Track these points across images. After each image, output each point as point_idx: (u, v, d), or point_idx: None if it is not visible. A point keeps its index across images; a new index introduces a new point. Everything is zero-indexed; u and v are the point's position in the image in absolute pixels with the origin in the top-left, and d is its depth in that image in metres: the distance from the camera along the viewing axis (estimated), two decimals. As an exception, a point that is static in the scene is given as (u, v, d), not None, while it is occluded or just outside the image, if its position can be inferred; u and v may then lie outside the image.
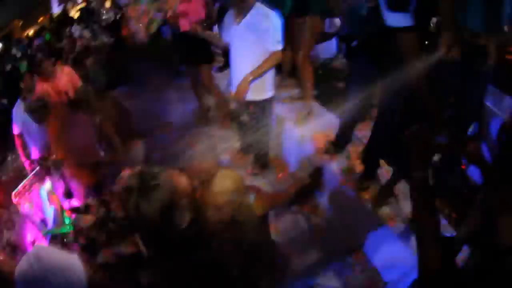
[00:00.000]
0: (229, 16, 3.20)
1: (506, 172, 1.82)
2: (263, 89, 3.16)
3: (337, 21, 4.34)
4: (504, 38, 2.05)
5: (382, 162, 3.04)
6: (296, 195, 2.86)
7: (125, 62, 6.20)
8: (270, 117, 3.42)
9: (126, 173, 1.39)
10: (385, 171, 3.06)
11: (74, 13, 9.87)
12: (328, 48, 4.65)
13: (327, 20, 4.26)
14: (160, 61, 5.88)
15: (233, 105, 4.09)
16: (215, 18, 4.36)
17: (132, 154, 3.30)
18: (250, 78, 3.02)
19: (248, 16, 2.98)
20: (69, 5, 10.73)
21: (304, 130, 3.70)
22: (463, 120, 2.48)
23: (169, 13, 4.06)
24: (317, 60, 4.48)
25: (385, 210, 2.82)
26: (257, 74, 3.02)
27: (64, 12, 10.14)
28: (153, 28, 6.03)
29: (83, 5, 9.84)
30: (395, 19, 2.16)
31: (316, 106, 3.97)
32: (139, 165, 1.40)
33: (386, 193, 2.87)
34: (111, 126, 3.28)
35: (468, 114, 2.50)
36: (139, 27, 6.11)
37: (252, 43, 2.98)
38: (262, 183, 3.39)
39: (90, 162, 3.17)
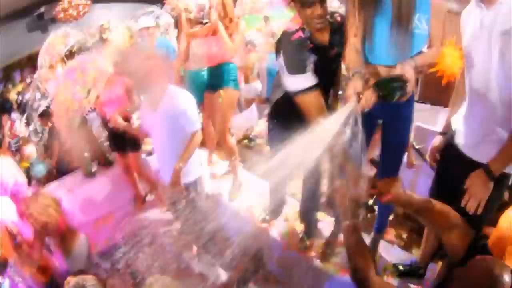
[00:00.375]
0: (144, 104, 3.18)
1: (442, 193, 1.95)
2: (192, 170, 3.11)
3: (257, 86, 4.52)
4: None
5: (322, 215, 3.11)
6: (245, 272, 2.80)
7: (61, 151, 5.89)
8: (203, 195, 3.36)
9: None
10: (326, 223, 3.11)
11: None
12: (251, 115, 4.75)
13: (247, 86, 4.45)
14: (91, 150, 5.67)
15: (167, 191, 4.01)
16: (138, 103, 4.34)
17: (75, 250, 3.06)
18: (180, 166, 2.95)
19: (163, 102, 2.93)
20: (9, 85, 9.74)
21: (238, 203, 3.70)
22: (392, 158, 2.45)
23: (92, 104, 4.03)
24: (240, 128, 4.59)
25: (335, 261, 2.84)
26: (185, 159, 2.97)
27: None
28: (76, 123, 5.88)
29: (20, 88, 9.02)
30: (296, 82, 2.17)
31: (246, 175, 3.98)
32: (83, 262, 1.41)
33: (332, 245, 2.90)
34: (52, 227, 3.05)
35: (397, 149, 2.44)
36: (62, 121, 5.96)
37: (171, 129, 2.94)
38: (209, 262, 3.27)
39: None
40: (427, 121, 3.55)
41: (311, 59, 2.11)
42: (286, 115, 2.30)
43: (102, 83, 4.23)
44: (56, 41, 6.72)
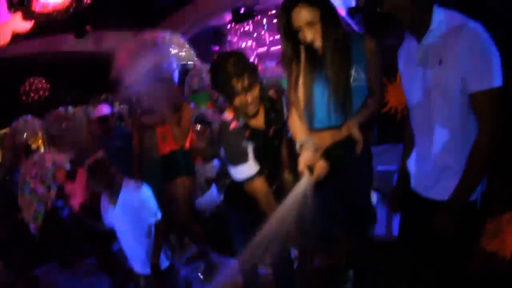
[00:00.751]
0: (104, 200, 3.15)
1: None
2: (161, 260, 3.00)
3: (215, 163, 4.48)
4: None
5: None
6: None
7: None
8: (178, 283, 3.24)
9: None
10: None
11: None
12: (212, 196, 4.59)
13: (205, 165, 4.41)
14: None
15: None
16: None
17: None
18: (155, 262, 2.91)
19: (120, 196, 2.95)
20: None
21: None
22: (357, 219, 2.34)
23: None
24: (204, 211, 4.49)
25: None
26: (157, 254, 2.93)
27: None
28: (39, 221, 5.75)
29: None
30: (239, 172, 2.09)
31: (217, 259, 3.88)
32: None
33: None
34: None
35: (360, 208, 2.32)
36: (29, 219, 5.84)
37: (132, 221, 2.93)
38: None
39: None
40: (389, 162, 3.44)
41: (251, 147, 2.05)
42: (240, 200, 2.23)
43: (61, 178, 4.23)
44: (16, 131, 6.76)
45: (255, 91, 1.96)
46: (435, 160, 1.69)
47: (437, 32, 1.59)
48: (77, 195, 3.96)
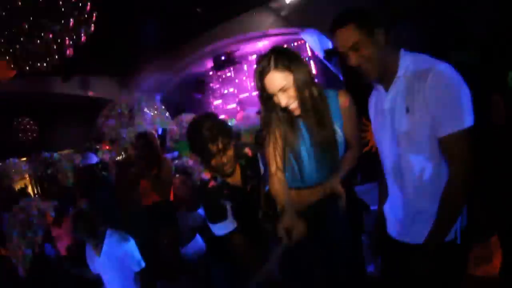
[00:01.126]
0: (89, 248, 3.18)
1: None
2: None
3: (200, 212, 4.41)
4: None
5: None
6: None
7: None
8: None
9: None
10: None
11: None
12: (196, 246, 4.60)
13: (190, 215, 4.35)
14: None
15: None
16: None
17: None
18: None
19: (104, 246, 3.00)
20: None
21: None
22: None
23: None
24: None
25: None
26: None
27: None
28: (27, 264, 5.63)
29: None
30: (218, 229, 2.12)
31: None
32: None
33: None
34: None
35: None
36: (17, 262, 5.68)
37: (117, 270, 2.97)
38: None
39: None
40: (374, 201, 3.45)
41: (229, 205, 2.09)
42: (222, 253, 2.25)
43: (47, 225, 4.26)
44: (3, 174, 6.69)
45: (230, 152, 2.03)
46: (408, 207, 1.69)
47: (404, 79, 1.59)
48: (63, 239, 4.00)
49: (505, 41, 3.42)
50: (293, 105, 1.80)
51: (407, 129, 1.59)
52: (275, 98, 1.80)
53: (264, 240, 2.16)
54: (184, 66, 8.87)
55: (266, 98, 1.83)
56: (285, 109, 1.82)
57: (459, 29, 4.33)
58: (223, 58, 8.56)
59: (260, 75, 1.78)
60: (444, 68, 1.50)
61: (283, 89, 1.76)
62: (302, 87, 1.77)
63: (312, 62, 8.29)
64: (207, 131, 1.96)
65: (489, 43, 3.72)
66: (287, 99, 1.78)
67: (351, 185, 2.95)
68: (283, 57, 1.75)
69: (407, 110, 1.57)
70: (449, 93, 1.48)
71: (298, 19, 6.56)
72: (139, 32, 6.17)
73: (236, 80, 9.95)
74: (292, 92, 1.77)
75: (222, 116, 9.73)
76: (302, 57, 1.84)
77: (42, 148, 7.10)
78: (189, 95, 9.72)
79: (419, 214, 1.66)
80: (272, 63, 1.74)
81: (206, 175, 2.17)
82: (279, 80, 1.75)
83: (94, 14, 4.27)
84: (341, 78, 6.54)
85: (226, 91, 10.21)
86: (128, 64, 8.05)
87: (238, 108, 9.39)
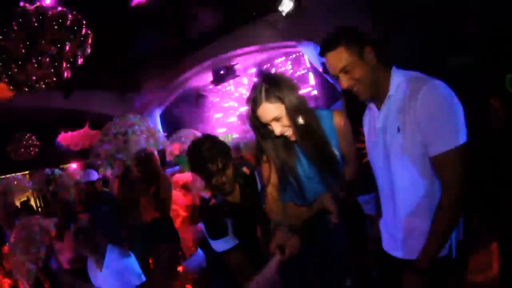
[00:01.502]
0: (90, 263, 3.23)
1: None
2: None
3: (199, 229, 4.42)
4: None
5: None
6: None
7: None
8: None
9: None
10: None
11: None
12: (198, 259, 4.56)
13: (193, 228, 4.35)
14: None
15: None
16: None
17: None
18: None
19: (106, 261, 3.08)
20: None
21: None
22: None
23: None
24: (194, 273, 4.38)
25: None
26: None
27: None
28: (32, 279, 5.62)
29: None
30: (218, 245, 2.17)
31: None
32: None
33: None
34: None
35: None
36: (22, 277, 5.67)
37: (118, 284, 3.04)
38: None
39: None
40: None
41: (229, 222, 2.15)
42: (222, 268, 2.26)
43: (49, 240, 4.27)
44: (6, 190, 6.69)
45: (229, 172, 2.08)
46: (400, 224, 1.69)
47: (395, 97, 1.58)
48: (65, 253, 4.03)
49: (502, 44, 3.42)
50: (288, 132, 1.82)
51: (399, 148, 1.59)
52: (269, 127, 1.82)
53: (264, 256, 2.19)
54: (183, 81, 8.92)
55: (259, 126, 1.85)
56: (280, 135, 1.84)
57: (455, 33, 4.33)
58: (222, 72, 8.59)
59: (253, 106, 1.80)
60: (434, 86, 1.49)
61: (276, 119, 1.78)
62: (294, 115, 1.79)
63: (311, 74, 8.34)
64: (207, 152, 2.01)
65: (486, 46, 3.72)
66: (281, 128, 1.80)
67: (353, 196, 2.97)
68: (273, 87, 1.76)
69: (398, 130, 1.57)
70: (440, 112, 1.46)
71: (295, 32, 6.60)
72: (139, 48, 6.24)
73: (236, 94, 9.98)
74: (285, 121, 1.79)
75: (223, 129, 9.79)
76: (291, 81, 1.83)
77: (43, 163, 7.11)
78: (189, 109, 9.75)
79: (412, 231, 1.65)
80: (263, 94, 1.75)
81: (206, 194, 2.24)
82: (272, 111, 1.77)
83: (90, 37, 4.32)
84: (339, 89, 6.57)
85: (226, 105, 10.24)
86: (128, 79, 8.11)
87: (239, 122, 9.38)
